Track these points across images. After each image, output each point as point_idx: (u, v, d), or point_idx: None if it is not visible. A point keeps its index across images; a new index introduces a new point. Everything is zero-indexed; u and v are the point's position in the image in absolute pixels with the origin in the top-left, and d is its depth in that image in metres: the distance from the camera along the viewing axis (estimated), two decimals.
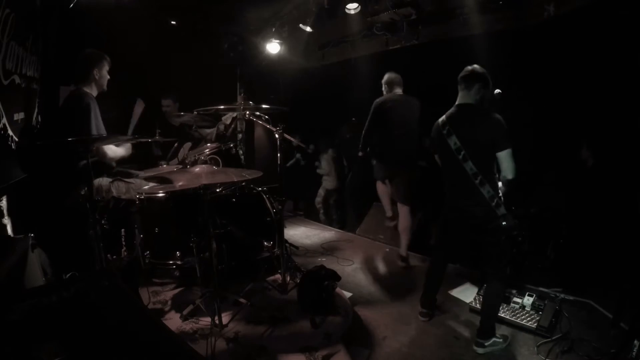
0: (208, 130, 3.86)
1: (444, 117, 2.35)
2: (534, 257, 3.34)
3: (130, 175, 2.88)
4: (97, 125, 2.51)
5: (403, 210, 3.53)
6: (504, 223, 2.18)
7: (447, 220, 2.52)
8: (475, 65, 2.32)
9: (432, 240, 4.57)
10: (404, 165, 3.42)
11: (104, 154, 2.61)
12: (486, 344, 2.28)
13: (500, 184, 2.30)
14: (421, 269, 3.55)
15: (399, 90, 3.48)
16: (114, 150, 2.70)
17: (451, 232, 2.54)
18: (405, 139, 3.33)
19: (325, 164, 5.71)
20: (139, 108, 2.94)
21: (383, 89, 3.56)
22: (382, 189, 3.73)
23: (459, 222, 2.43)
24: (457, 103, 2.35)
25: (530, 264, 3.26)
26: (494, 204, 2.18)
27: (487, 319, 2.32)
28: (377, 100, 3.45)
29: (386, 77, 3.52)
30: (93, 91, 2.65)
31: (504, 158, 2.16)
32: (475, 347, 2.30)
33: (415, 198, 4.74)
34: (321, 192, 5.76)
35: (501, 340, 2.33)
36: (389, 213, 3.81)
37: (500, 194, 2.26)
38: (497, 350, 2.29)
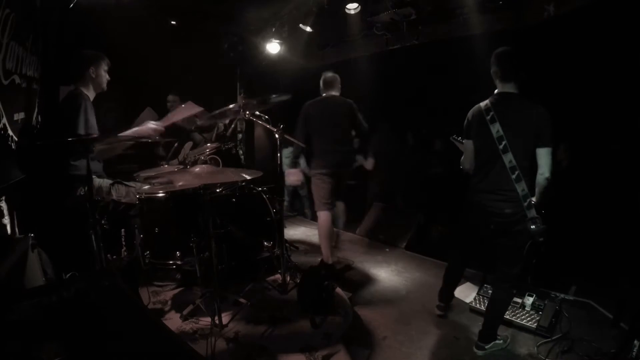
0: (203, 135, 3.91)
1: (487, 102, 2.16)
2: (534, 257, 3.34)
3: (130, 179, 2.88)
4: (87, 120, 2.44)
5: (342, 206, 3.66)
6: (532, 227, 2.00)
7: (469, 217, 2.35)
8: (505, 48, 2.13)
9: (432, 240, 4.58)
10: (346, 166, 3.37)
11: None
12: (487, 347, 2.27)
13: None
14: (421, 269, 3.55)
15: (333, 92, 3.34)
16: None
17: (472, 231, 2.39)
18: (343, 139, 3.29)
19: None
20: (145, 116, 2.92)
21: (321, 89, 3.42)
22: (330, 224, 3.32)
23: (483, 221, 2.23)
24: (498, 91, 2.17)
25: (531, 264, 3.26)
26: (525, 204, 2.02)
27: (491, 325, 2.29)
28: (307, 103, 3.32)
29: (325, 76, 3.38)
30: (90, 91, 2.63)
31: (545, 154, 2.01)
32: (475, 350, 2.29)
33: (416, 199, 4.76)
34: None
35: (501, 341, 2.33)
36: (331, 258, 3.33)
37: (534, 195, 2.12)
38: (497, 351, 2.29)
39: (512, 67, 2.12)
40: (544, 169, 2.02)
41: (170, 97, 4.31)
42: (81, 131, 2.38)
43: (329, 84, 3.35)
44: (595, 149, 3.47)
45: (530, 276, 2.44)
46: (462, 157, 2.42)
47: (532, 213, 2.03)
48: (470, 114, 2.27)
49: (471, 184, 2.31)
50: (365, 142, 3.61)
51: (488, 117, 2.11)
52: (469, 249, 2.51)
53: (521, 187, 2.03)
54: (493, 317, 2.31)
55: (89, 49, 2.67)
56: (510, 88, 2.14)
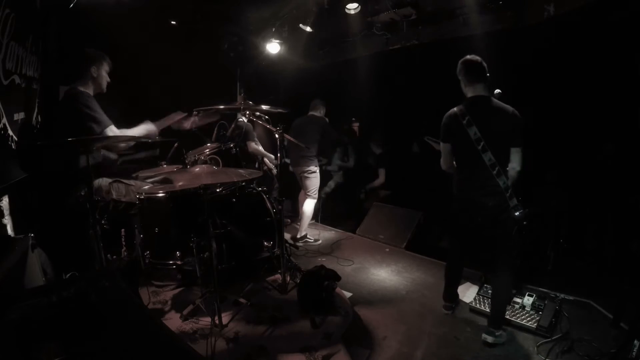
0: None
1: (461, 107, 2.33)
2: (534, 257, 3.34)
3: (129, 177, 2.88)
4: (99, 120, 2.47)
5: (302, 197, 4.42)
6: (516, 214, 2.21)
7: (457, 216, 2.52)
8: (474, 56, 2.32)
9: (432, 241, 4.57)
10: (299, 166, 4.24)
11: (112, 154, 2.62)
12: (497, 333, 2.32)
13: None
14: (421, 269, 3.55)
15: (314, 112, 4.31)
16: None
17: (462, 227, 2.55)
18: (301, 148, 3.81)
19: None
20: (177, 116, 2.94)
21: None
22: (301, 203, 4.40)
23: (469, 216, 2.42)
24: (471, 95, 2.33)
25: (531, 264, 3.26)
26: (507, 194, 2.23)
27: (499, 309, 2.37)
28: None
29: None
30: (90, 90, 2.62)
31: (517, 153, 2.24)
32: (485, 336, 2.33)
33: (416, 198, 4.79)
34: (331, 184, 5.74)
35: (506, 333, 2.38)
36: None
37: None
38: (498, 351, 2.29)
39: (477, 71, 2.30)
40: (515, 163, 2.27)
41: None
42: (97, 132, 2.39)
43: (312, 107, 4.33)
44: (596, 148, 3.47)
45: (520, 260, 2.53)
46: (441, 159, 2.57)
47: (514, 202, 2.24)
48: (446, 119, 2.42)
49: (456, 183, 2.49)
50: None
51: (464, 122, 2.28)
52: (463, 243, 2.65)
53: (502, 181, 2.24)
54: (499, 302, 2.39)
55: (90, 48, 2.67)
56: (480, 90, 2.31)
